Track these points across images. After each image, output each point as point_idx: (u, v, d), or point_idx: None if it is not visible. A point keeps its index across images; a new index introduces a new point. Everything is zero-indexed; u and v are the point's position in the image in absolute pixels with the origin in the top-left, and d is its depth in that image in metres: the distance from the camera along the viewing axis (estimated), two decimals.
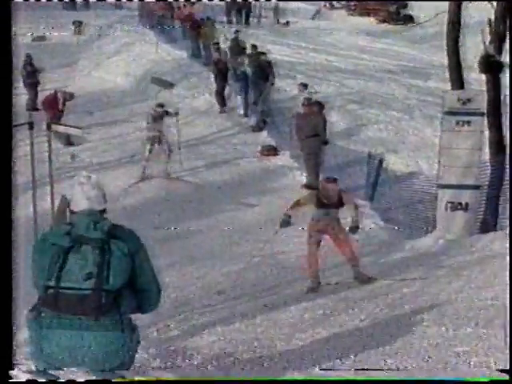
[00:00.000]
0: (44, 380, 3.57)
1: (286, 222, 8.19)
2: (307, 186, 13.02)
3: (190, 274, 8.85)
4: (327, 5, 32.03)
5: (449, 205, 9.55)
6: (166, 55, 21.71)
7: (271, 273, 8.78)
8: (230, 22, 26.80)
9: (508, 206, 9.91)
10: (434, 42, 21.60)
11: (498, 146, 10.06)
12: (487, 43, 9.77)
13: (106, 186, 12.42)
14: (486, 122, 9.83)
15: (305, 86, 16.18)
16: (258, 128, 16.16)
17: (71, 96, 15.72)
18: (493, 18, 9.89)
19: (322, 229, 7.99)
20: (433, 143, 13.32)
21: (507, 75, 10.14)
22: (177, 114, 13.81)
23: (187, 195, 12.56)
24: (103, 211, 3.75)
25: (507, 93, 10.45)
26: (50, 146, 7.42)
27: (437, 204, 9.79)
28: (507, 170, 9.83)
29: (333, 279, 8.07)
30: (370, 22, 29.81)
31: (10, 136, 4.21)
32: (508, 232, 6.52)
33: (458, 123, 9.46)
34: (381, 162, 13.03)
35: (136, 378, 3.95)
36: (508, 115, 10.10)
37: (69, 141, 14.71)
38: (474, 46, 10.51)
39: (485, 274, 7.19)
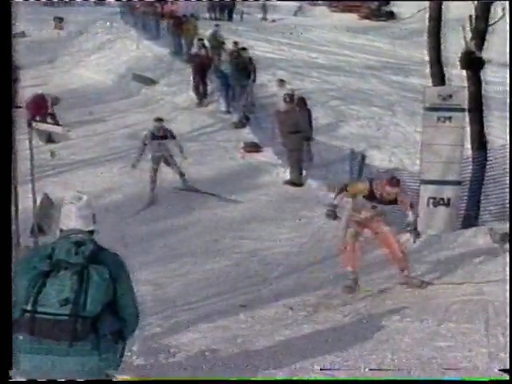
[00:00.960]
0: (44, 380, 3.56)
1: (332, 214, 7.28)
2: (290, 183, 13.05)
3: (173, 270, 8.82)
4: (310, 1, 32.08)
5: (431, 200, 9.60)
6: (147, 52, 21.63)
7: (255, 269, 8.78)
8: (212, 18, 26.75)
9: (490, 201, 10.00)
10: (415, 38, 21.70)
11: (479, 141, 10.11)
12: (468, 40, 9.81)
13: (88, 183, 12.36)
14: (467, 117, 9.87)
15: (282, 81, 16.18)
16: (240, 124, 16.14)
17: (57, 99, 15.63)
18: (473, 14, 9.93)
19: (363, 221, 7.20)
20: (415, 139, 13.38)
21: (488, 71, 10.22)
22: (174, 137, 12.50)
23: (171, 191, 12.52)
24: (92, 232, 3.73)
25: (488, 89, 10.52)
26: (30, 143, 7.37)
27: (419, 200, 9.83)
28: (493, 166, 9.90)
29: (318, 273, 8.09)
30: (351, 18, 29.89)
31: (10, 136, 4.17)
32: (508, 230, 6.55)
33: (439, 119, 9.50)
34: (363, 158, 13.07)
35: (136, 378, 3.94)
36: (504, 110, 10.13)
37: (50, 138, 14.62)
38: (454, 43, 10.54)
39: (467, 269, 7.24)
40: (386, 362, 4.78)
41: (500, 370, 3.70)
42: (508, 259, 5.38)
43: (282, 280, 8.08)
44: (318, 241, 10.01)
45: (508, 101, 8.05)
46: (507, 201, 9.61)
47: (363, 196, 7.06)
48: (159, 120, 12.51)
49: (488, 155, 9.98)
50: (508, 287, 4.85)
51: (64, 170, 13.36)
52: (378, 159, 14.19)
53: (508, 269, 5.23)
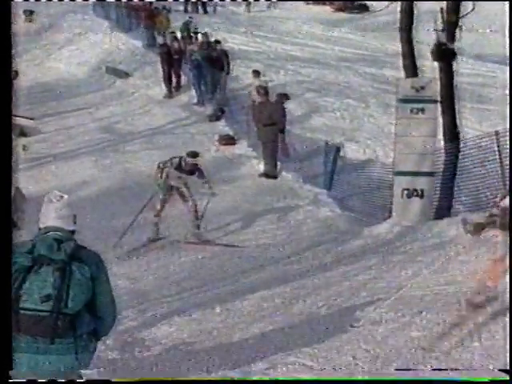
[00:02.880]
0: (44, 380, 3.53)
1: None
2: (265, 175, 13.05)
3: (148, 264, 8.79)
4: None
5: (405, 192, 9.66)
6: (120, 44, 21.45)
7: (230, 262, 8.77)
8: (186, 11, 26.59)
9: (462, 191, 10.09)
10: (388, 30, 21.73)
11: (451, 133, 10.19)
12: (439, 32, 9.87)
13: (61, 177, 12.23)
14: (439, 109, 9.94)
15: (257, 72, 16.17)
16: (215, 117, 16.10)
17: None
18: (445, 6, 9.99)
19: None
20: (388, 131, 13.44)
21: (459, 63, 10.29)
22: (203, 177, 10.13)
23: (146, 185, 12.46)
24: (72, 232, 3.69)
25: (460, 80, 10.59)
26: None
27: (393, 191, 9.89)
28: (465, 157, 9.99)
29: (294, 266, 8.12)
30: (325, 11, 29.90)
31: (10, 136, 4.11)
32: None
33: (412, 111, 9.56)
34: (338, 150, 13.11)
35: (137, 378, 3.92)
36: (459, 102, 10.21)
37: (21, 132, 14.46)
38: (426, 35, 10.61)
39: (440, 260, 7.29)
40: (361, 352, 4.81)
41: (500, 370, 3.72)
42: (508, 261, 5.38)
43: (257, 272, 8.08)
44: (292, 233, 10.03)
45: (508, 99, 8.11)
46: (480, 191, 9.72)
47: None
48: (195, 155, 10.01)
49: (460, 146, 10.07)
50: (508, 287, 4.87)
51: (36, 163, 13.22)
52: (352, 151, 14.25)
53: (508, 271, 5.25)
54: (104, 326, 3.69)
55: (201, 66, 16.89)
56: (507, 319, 4.40)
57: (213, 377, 4.23)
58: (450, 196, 10.07)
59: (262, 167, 13.22)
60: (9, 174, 4.06)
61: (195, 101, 17.01)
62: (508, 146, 9.18)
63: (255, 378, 4.18)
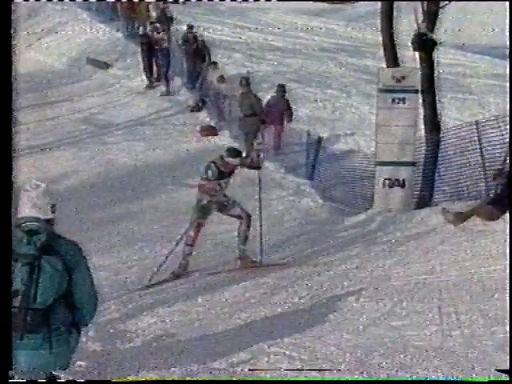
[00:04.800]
0: (44, 380, 3.50)
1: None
2: (247, 166, 13.04)
3: (130, 256, 8.77)
4: None
5: (386, 181, 9.70)
6: (100, 35, 21.28)
7: (212, 253, 8.77)
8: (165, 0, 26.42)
9: (443, 181, 10.15)
10: (369, 20, 21.80)
11: (432, 123, 10.24)
12: (420, 22, 9.90)
13: (42, 168, 12.18)
14: (420, 99, 9.98)
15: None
16: (196, 108, 16.07)
17: None
18: None
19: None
20: (370, 121, 13.48)
21: (440, 53, 10.32)
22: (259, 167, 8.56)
23: (127, 176, 12.43)
24: (49, 221, 3.64)
25: (441, 70, 10.63)
26: None
27: (375, 181, 9.93)
28: (446, 147, 10.04)
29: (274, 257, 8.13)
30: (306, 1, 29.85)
31: (10, 137, 4.06)
32: (508, 222, 6.63)
33: (393, 100, 9.59)
34: (319, 140, 13.14)
35: (137, 378, 3.91)
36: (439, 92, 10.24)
37: None
38: (407, 25, 10.63)
39: (421, 249, 7.34)
40: (343, 342, 4.83)
41: (500, 371, 3.74)
42: (508, 261, 5.42)
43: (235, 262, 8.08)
44: (275, 224, 10.04)
45: (508, 97, 8.15)
46: (461, 181, 9.79)
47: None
48: (238, 154, 8.05)
49: (441, 136, 10.12)
50: (508, 288, 4.90)
51: (15, 155, 13.09)
52: (334, 141, 14.28)
53: (508, 269, 5.29)
54: (84, 316, 3.65)
55: (169, 54, 16.89)
56: (507, 319, 4.43)
57: (212, 377, 4.23)
58: (431, 186, 10.12)
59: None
60: (9, 175, 3.99)
61: (163, 89, 16.98)
62: (488, 136, 9.25)
63: (256, 378, 4.16)
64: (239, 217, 7.92)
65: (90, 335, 5.17)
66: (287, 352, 4.65)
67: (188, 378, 4.19)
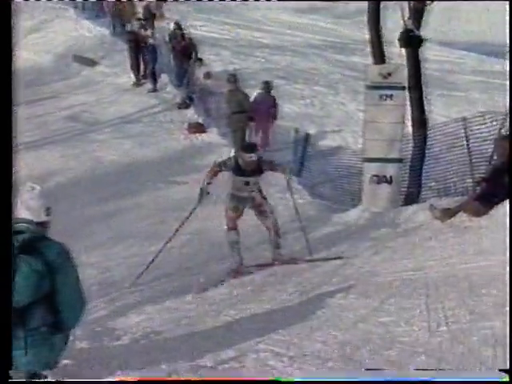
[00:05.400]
0: (44, 380, 3.47)
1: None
2: None
3: (118, 253, 8.75)
4: None
5: (374, 178, 9.73)
6: (87, 32, 21.20)
7: (200, 250, 8.77)
8: None
9: (430, 177, 10.19)
10: (356, 17, 21.84)
11: (419, 119, 10.27)
12: (406, 19, 9.93)
13: (30, 166, 12.05)
14: (407, 95, 10.00)
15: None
16: (184, 105, 16.05)
17: None
18: None
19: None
20: (358, 117, 13.52)
21: (426, 50, 10.36)
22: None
23: (115, 174, 12.39)
24: (43, 224, 3.61)
25: (428, 66, 10.67)
26: None
27: (362, 177, 9.95)
28: (433, 143, 10.08)
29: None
30: None
31: (11, 138, 4.03)
32: (508, 222, 6.67)
33: (380, 97, 9.61)
34: (307, 137, 13.16)
35: (135, 378, 3.89)
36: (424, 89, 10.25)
37: None
38: (394, 22, 10.66)
39: (408, 245, 7.37)
40: (331, 338, 4.84)
41: (500, 371, 3.75)
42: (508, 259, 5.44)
43: (228, 260, 8.08)
44: None
45: (508, 96, 8.19)
46: (448, 177, 9.83)
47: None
48: (253, 148, 7.66)
49: (428, 133, 10.16)
50: (508, 286, 4.92)
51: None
52: (322, 138, 14.30)
53: (508, 268, 5.30)
54: (68, 318, 3.63)
55: (155, 50, 16.89)
56: (507, 318, 4.44)
57: (212, 377, 4.22)
58: (419, 182, 10.16)
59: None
60: (9, 175, 3.94)
61: (150, 86, 16.96)
62: (475, 132, 9.30)
63: (256, 378, 4.16)
64: (267, 228, 7.76)
65: (77, 333, 5.14)
66: (275, 349, 4.65)
67: (188, 379, 4.18)
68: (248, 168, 7.38)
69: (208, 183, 7.62)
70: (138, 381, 3.94)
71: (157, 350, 4.93)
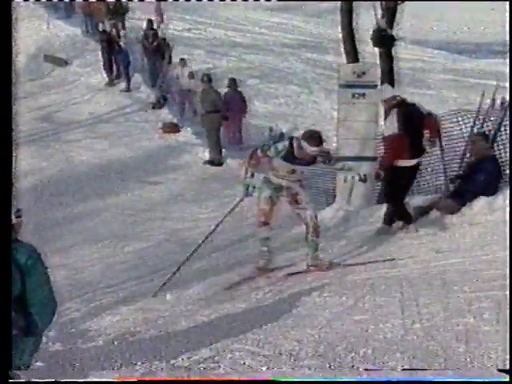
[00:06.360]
0: (44, 380, 3.41)
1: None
2: (210, 162, 13.03)
3: (92, 254, 8.70)
4: None
5: (348, 177, 9.75)
6: (58, 32, 21.03)
7: (175, 250, 8.74)
8: None
9: None
10: (329, 16, 21.92)
11: None
12: (379, 18, 9.98)
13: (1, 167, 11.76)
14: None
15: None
16: (158, 105, 16.01)
17: None
18: None
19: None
20: (331, 116, 13.57)
21: (399, 48, 10.42)
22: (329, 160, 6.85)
23: (89, 174, 12.31)
24: (12, 226, 3.55)
25: (400, 65, 10.73)
26: None
27: (336, 176, 9.97)
28: None
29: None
30: None
31: (10, 138, 3.97)
32: (508, 221, 6.70)
33: (353, 96, 9.63)
34: (282, 136, 13.18)
35: (135, 379, 3.86)
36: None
37: None
38: (366, 21, 10.72)
39: (382, 243, 7.41)
40: (306, 337, 4.85)
41: (499, 371, 3.77)
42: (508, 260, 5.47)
43: (203, 260, 8.07)
44: (238, 220, 10.03)
45: (508, 95, 8.25)
46: (421, 175, 9.88)
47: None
48: (320, 141, 6.44)
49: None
50: (508, 287, 4.95)
51: None
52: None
53: (508, 270, 5.34)
54: (39, 320, 3.59)
55: (127, 51, 16.85)
56: (507, 319, 4.47)
57: (212, 377, 4.20)
58: None
59: (206, 155, 13.20)
60: (9, 175, 3.89)
61: (123, 86, 16.90)
62: (447, 130, 9.36)
63: (257, 378, 4.15)
64: (306, 224, 6.73)
65: (51, 335, 5.11)
66: (251, 348, 4.66)
67: (188, 379, 4.16)
68: (303, 157, 6.44)
69: (252, 175, 6.69)
70: (138, 381, 3.92)
71: (132, 350, 4.90)
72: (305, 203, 6.61)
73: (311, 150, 6.29)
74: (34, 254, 3.56)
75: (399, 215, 7.72)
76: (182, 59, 16.10)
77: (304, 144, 6.29)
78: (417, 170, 7.82)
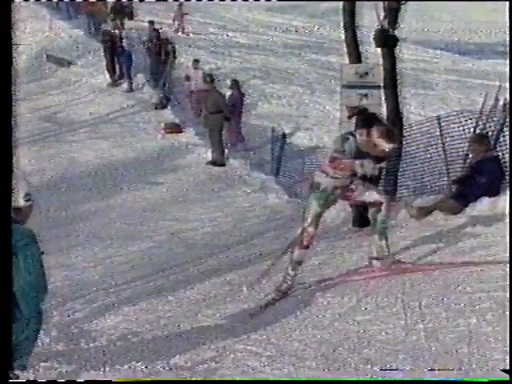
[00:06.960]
0: (44, 380, 3.40)
1: None
2: (212, 163, 13.04)
3: (95, 254, 8.70)
4: None
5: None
6: (61, 32, 21.08)
7: (177, 250, 8.75)
8: None
9: (407, 176, 10.24)
10: (332, 17, 21.92)
11: (394, 118, 10.29)
12: (382, 18, 9.96)
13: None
14: (383, 94, 10.04)
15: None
16: (161, 105, 16.02)
17: None
18: None
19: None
20: (334, 117, 13.56)
21: (401, 49, 10.41)
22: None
23: (91, 174, 12.33)
24: (19, 209, 3.51)
25: (403, 65, 10.72)
26: None
27: None
28: (408, 142, 10.12)
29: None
30: None
31: (10, 139, 3.98)
32: (508, 221, 6.69)
33: (356, 96, 9.65)
34: (284, 136, 13.19)
35: (135, 379, 3.86)
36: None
37: None
38: (369, 21, 10.70)
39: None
40: (309, 337, 4.85)
41: (502, 371, 3.76)
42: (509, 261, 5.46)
43: (205, 260, 8.08)
44: (241, 220, 10.06)
45: (508, 95, 8.25)
46: (423, 175, 9.89)
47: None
48: (393, 140, 5.87)
49: (404, 132, 10.20)
50: (508, 287, 4.95)
51: None
52: (299, 137, 14.33)
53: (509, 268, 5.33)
54: (22, 304, 3.48)
55: (130, 52, 16.88)
56: (507, 319, 4.47)
57: (215, 377, 4.21)
58: (395, 180, 10.19)
59: (209, 155, 13.21)
60: (9, 175, 3.85)
61: (125, 86, 16.92)
62: (450, 131, 9.37)
63: (257, 378, 4.15)
64: (376, 203, 5.88)
65: (54, 335, 5.11)
66: (253, 348, 4.66)
67: (189, 379, 4.16)
68: (367, 151, 5.69)
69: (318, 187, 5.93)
70: (141, 381, 3.93)
71: (134, 351, 4.91)
72: (364, 189, 5.89)
73: (386, 146, 5.63)
74: (28, 237, 3.47)
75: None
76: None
77: (379, 141, 5.56)
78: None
